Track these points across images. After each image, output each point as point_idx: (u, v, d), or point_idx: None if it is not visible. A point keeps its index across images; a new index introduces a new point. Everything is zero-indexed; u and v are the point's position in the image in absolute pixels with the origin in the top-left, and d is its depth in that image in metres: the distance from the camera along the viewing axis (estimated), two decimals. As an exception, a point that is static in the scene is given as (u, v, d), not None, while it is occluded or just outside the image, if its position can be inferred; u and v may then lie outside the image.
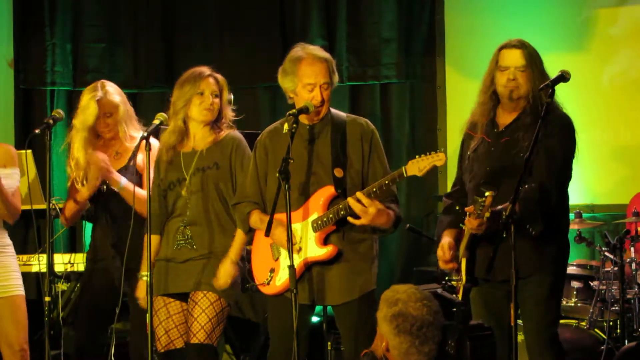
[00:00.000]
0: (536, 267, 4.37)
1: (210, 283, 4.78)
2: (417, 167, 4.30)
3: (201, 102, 4.85)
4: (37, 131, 4.93)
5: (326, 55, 4.56)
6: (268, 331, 4.74)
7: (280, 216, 4.39)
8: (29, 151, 5.43)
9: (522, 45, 4.44)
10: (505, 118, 4.48)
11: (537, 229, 4.26)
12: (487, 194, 4.04)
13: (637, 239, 6.04)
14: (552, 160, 4.34)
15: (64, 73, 8.24)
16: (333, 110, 4.63)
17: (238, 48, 8.20)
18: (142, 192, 5.00)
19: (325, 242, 4.49)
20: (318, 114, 4.55)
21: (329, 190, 4.49)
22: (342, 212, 4.41)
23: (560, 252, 4.49)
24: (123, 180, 5.08)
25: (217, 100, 4.89)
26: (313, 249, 4.48)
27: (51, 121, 5.00)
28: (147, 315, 4.62)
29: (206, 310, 4.77)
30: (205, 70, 4.91)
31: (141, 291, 4.84)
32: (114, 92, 5.28)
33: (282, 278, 4.55)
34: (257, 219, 4.64)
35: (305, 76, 4.48)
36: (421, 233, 6.96)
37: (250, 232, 4.74)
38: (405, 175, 4.31)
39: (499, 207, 4.16)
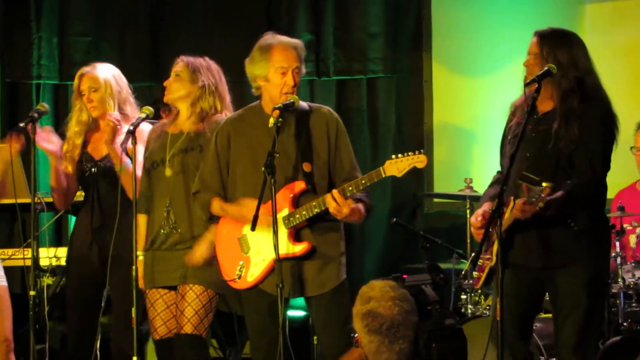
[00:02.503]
0: (574, 257, 4.34)
1: (196, 275, 4.80)
2: (396, 167, 4.28)
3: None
4: (21, 125, 4.92)
5: (297, 42, 4.57)
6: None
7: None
8: (15, 144, 5.41)
9: (539, 34, 4.39)
10: (545, 105, 4.40)
11: (580, 225, 4.27)
12: (545, 185, 4.01)
13: (622, 234, 6.05)
14: (593, 153, 4.33)
15: (49, 67, 8.20)
16: None
17: (224, 42, 8.17)
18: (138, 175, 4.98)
19: (296, 237, 4.46)
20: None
21: (299, 186, 4.47)
22: (315, 210, 4.38)
23: (599, 243, 4.45)
24: (127, 163, 5.01)
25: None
26: (286, 245, 4.43)
27: (36, 115, 5.00)
28: (133, 309, 4.64)
29: (192, 303, 4.79)
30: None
31: (139, 270, 4.84)
32: (101, 68, 5.30)
33: (254, 273, 4.51)
34: (218, 207, 4.60)
35: (278, 61, 4.47)
36: (407, 227, 6.96)
37: (211, 219, 4.68)
38: (383, 175, 4.29)
39: (551, 197, 4.09)
